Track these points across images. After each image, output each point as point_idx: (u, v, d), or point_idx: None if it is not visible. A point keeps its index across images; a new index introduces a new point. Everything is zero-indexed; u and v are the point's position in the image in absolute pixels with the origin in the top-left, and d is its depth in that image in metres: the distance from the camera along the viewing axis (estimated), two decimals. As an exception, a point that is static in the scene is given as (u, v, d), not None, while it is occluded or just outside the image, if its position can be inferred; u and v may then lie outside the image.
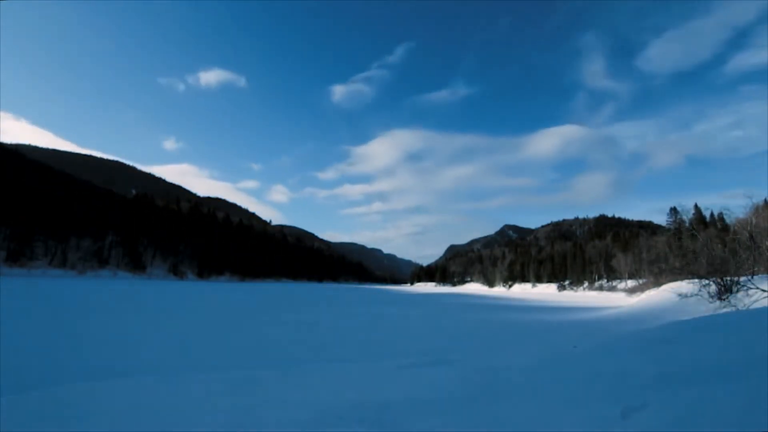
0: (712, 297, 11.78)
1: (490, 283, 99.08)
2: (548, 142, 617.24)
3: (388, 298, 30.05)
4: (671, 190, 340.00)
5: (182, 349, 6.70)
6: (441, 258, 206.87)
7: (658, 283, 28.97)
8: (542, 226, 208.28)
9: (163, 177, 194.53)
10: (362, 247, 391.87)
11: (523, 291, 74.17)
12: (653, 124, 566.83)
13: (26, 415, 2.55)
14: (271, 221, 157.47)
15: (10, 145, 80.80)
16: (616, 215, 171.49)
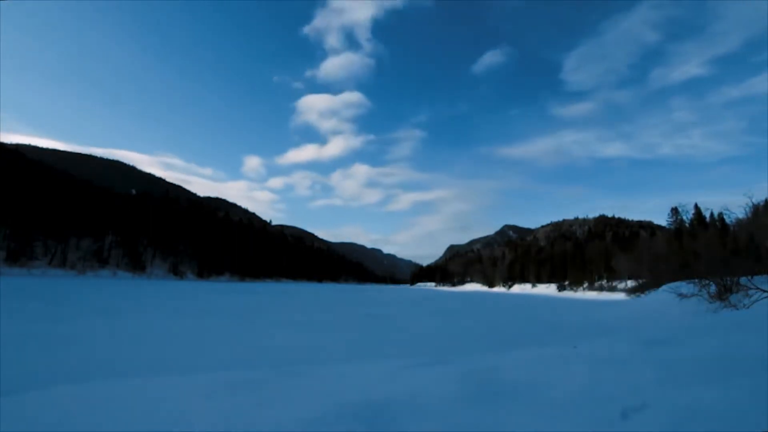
0: (712, 297, 11.77)
1: (490, 284, 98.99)
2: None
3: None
4: (672, 190, 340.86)
5: (181, 349, 6.69)
6: (441, 258, 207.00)
7: (658, 284, 28.92)
8: (542, 226, 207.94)
9: (163, 177, 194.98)
10: (362, 247, 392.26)
11: (522, 291, 74.14)
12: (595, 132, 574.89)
13: (26, 415, 2.55)
14: (271, 221, 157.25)
15: (10, 145, 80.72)
16: (616, 215, 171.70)
